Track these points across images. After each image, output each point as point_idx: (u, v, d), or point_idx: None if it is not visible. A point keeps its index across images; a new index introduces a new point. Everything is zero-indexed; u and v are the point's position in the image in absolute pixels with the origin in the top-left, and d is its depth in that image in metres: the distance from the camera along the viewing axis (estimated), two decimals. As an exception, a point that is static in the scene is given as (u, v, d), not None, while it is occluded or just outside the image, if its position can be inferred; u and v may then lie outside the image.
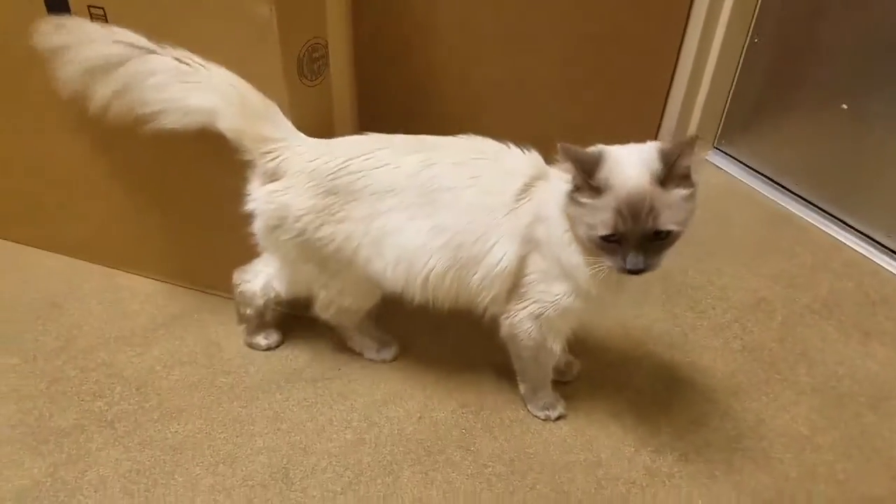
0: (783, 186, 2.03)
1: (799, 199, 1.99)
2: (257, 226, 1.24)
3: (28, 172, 1.57)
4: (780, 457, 1.27)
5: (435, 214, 1.17)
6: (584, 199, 1.03)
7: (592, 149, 1.04)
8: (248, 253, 1.45)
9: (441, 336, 1.50)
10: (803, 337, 1.54)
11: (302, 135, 1.22)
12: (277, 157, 1.19)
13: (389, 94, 1.61)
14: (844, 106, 1.81)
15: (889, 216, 1.78)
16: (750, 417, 1.34)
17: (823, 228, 1.89)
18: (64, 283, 1.60)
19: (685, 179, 1.02)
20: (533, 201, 1.15)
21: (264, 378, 1.40)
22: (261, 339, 1.46)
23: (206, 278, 1.57)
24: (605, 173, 1.01)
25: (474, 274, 1.19)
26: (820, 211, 1.94)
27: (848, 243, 1.84)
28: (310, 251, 1.23)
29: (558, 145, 1.00)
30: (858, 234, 1.85)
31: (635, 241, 1.01)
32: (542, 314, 1.19)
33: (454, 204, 1.16)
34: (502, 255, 1.16)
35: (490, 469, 1.24)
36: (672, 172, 1.00)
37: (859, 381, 1.43)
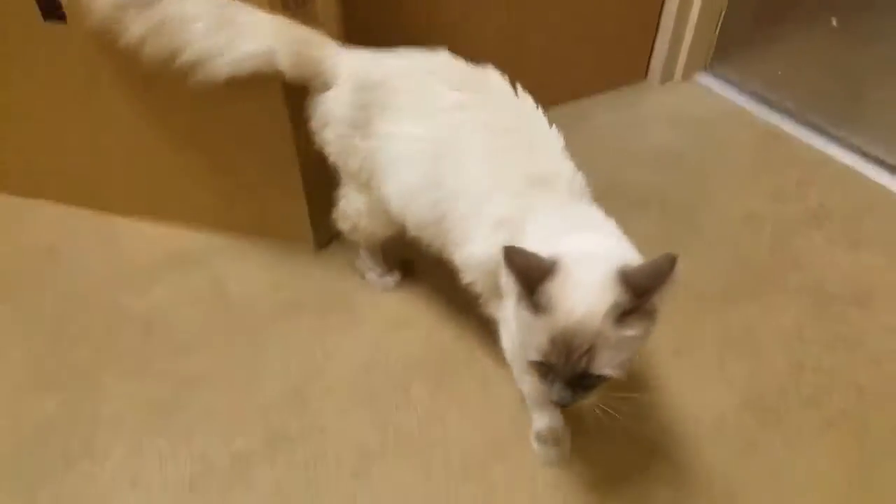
0: (774, 105, 2.18)
1: (789, 116, 2.14)
2: (311, 126, 1.34)
3: (17, 119, 1.66)
4: (770, 353, 1.44)
5: (441, 164, 1.17)
6: (524, 311, 0.95)
7: (548, 257, 0.94)
8: (249, 190, 1.57)
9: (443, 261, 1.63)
10: (793, 247, 1.70)
11: (348, 49, 1.30)
12: (330, 70, 1.28)
13: (378, 20, 1.70)
14: (834, 22, 1.95)
15: (877, 128, 1.93)
16: (742, 321, 1.51)
17: (813, 144, 2.05)
18: (61, 229, 1.71)
19: (649, 314, 0.93)
20: (512, 222, 1.09)
21: (271, 311, 1.53)
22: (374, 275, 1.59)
23: (206, 218, 1.69)
24: (553, 290, 0.92)
25: (454, 252, 1.20)
26: (809, 126, 2.09)
27: (837, 156, 1.99)
28: (343, 159, 1.33)
29: (503, 248, 0.93)
30: (847, 146, 2.00)
31: (565, 377, 0.94)
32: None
33: (460, 166, 1.15)
34: (473, 251, 1.15)
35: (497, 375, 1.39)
36: (638, 308, 0.91)
37: (846, 284, 1.60)
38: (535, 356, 0.94)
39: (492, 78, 1.20)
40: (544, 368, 0.95)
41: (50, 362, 1.41)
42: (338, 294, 1.57)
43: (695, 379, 1.38)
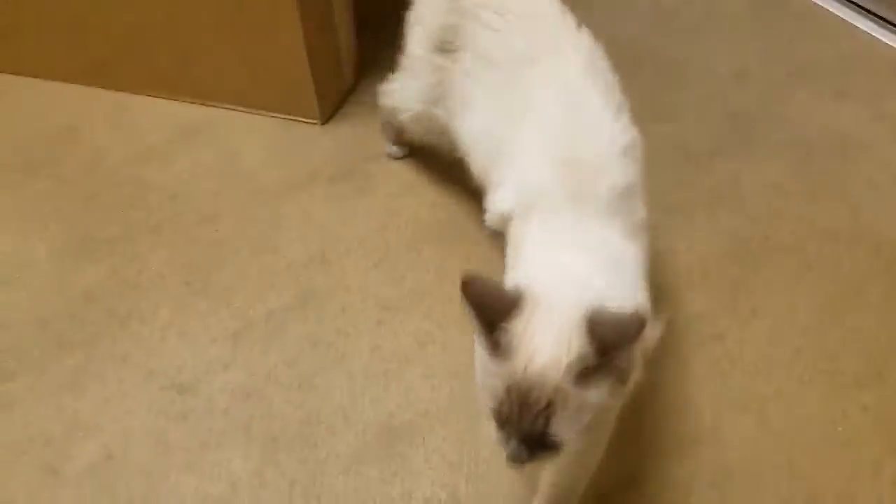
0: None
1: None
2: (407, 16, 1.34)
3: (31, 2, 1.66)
4: (755, 204, 1.53)
5: (500, 113, 1.13)
6: (482, 350, 0.82)
7: (513, 289, 0.82)
8: (257, 64, 1.58)
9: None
10: (781, 101, 1.76)
11: None
12: None
13: None
14: None
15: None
16: (729, 173, 1.59)
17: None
18: (74, 109, 1.75)
19: (618, 373, 0.78)
20: (525, 205, 1.00)
21: (286, 181, 1.60)
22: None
23: (214, 93, 1.72)
24: (513, 331, 0.78)
25: (487, 195, 1.17)
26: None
27: (828, 8, 2.00)
28: (421, 66, 1.32)
29: (461, 277, 0.79)
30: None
31: (520, 433, 0.80)
32: None
33: (513, 120, 1.09)
34: (495, 200, 1.11)
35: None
36: (602, 366, 0.76)
37: (829, 136, 1.67)
38: (489, 402, 0.81)
39: (582, 42, 1.12)
40: (501, 417, 0.81)
41: (86, 234, 1.49)
42: (347, 164, 1.64)
43: (684, 231, 1.47)
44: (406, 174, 1.61)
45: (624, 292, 0.87)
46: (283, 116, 1.71)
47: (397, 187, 1.59)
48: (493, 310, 0.79)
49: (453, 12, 1.22)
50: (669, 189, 1.55)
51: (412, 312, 1.35)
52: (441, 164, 1.61)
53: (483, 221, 1.16)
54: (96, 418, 1.20)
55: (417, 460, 1.15)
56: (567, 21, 1.15)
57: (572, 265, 0.88)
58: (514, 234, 1.02)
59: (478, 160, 1.20)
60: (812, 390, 1.23)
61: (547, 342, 0.77)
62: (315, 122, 1.70)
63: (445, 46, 1.24)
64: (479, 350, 0.82)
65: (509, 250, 1.03)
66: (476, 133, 1.19)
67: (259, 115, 1.71)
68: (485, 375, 0.81)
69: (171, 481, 1.12)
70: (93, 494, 1.11)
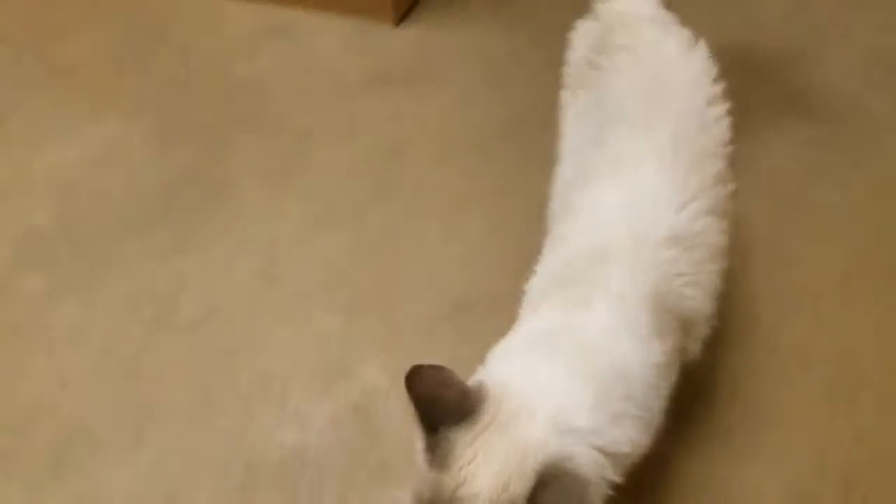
0: None
1: None
2: None
3: None
4: (823, 111, 1.56)
5: (579, 168, 1.00)
6: (420, 446, 0.72)
7: (475, 388, 0.72)
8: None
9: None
10: (844, 21, 1.74)
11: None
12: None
13: None
14: None
15: None
16: (803, 82, 1.61)
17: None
18: (162, 11, 1.83)
19: None
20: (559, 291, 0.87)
21: (362, 78, 1.68)
22: None
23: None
24: (456, 440, 0.68)
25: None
26: None
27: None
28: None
29: (412, 367, 0.70)
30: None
31: None
32: None
33: (584, 180, 0.96)
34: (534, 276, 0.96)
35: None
36: None
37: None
38: (412, 501, 0.73)
39: (689, 123, 0.95)
40: None
41: (180, 121, 1.61)
42: (418, 64, 1.71)
43: (754, 139, 1.47)
44: (477, 74, 1.67)
45: (605, 434, 0.75)
46: (358, 17, 1.77)
47: (469, 87, 1.65)
48: (440, 410, 0.69)
49: (597, 45, 1.08)
50: (741, 97, 1.57)
51: (483, 205, 1.43)
52: (515, 64, 1.67)
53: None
54: (199, 278, 1.33)
55: (487, 331, 1.22)
56: (699, 93, 0.99)
57: (556, 380, 0.75)
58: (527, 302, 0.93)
59: (552, 205, 1.07)
60: (864, 296, 1.27)
61: (486, 471, 0.67)
62: (388, 23, 1.77)
63: (580, 82, 1.11)
64: (418, 447, 0.72)
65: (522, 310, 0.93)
66: (557, 178, 1.07)
67: (336, 16, 1.78)
68: (417, 476, 0.72)
69: (267, 332, 1.25)
70: (199, 342, 1.25)
